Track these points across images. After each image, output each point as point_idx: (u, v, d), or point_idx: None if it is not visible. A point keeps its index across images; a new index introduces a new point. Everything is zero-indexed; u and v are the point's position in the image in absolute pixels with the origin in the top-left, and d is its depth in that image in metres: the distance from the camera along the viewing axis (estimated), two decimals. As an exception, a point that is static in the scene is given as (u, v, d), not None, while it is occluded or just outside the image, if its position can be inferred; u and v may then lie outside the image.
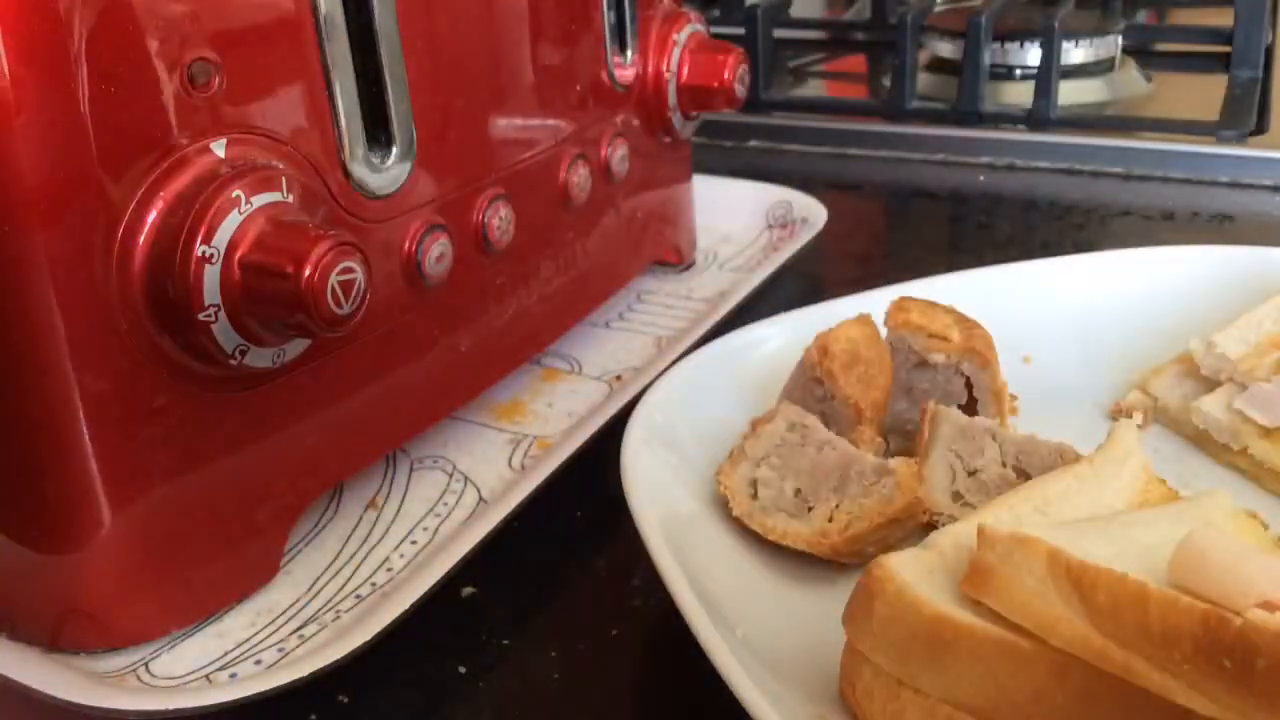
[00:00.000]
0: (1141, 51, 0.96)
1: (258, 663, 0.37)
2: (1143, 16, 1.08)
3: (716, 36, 0.60)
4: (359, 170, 0.40)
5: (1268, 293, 0.48)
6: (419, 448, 0.48)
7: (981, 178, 0.79)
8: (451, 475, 0.47)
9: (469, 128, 0.45)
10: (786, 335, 0.47)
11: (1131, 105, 0.86)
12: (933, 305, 0.45)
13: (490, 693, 0.37)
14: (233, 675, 0.36)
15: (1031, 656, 0.28)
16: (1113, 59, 0.89)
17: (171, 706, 0.34)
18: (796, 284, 0.63)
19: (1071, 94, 0.84)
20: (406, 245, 0.42)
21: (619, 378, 0.53)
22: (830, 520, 0.38)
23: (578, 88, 0.51)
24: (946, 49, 0.90)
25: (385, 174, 0.41)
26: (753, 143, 0.87)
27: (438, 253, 0.43)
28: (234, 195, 0.34)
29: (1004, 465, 0.40)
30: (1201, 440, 0.45)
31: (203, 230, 0.33)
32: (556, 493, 0.44)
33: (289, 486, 0.40)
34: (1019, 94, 0.85)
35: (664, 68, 0.57)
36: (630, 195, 0.57)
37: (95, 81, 0.31)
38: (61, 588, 0.36)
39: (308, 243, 0.33)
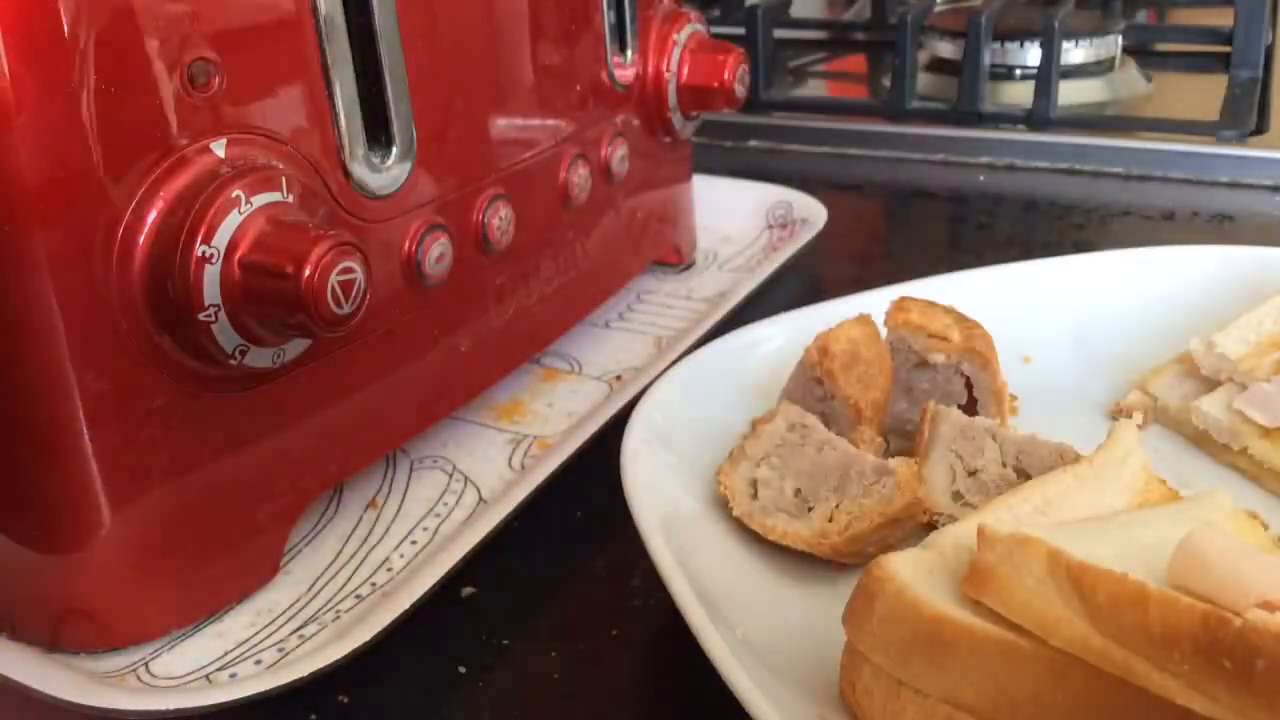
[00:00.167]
0: (1141, 51, 0.96)
1: (258, 663, 0.37)
2: (1143, 16, 1.08)
3: (716, 36, 0.60)
4: (359, 170, 0.40)
5: (1268, 293, 0.48)
6: (419, 448, 0.48)
7: (981, 178, 0.79)
8: (451, 475, 0.47)
9: (469, 128, 0.45)
10: (786, 335, 0.47)
11: (1131, 105, 0.86)
12: (933, 305, 0.45)
13: (490, 693, 0.37)
14: (233, 675, 0.36)
15: (1031, 657, 0.28)
16: (1113, 59, 0.89)
17: (171, 706, 0.34)
18: (796, 284, 0.63)
19: (1071, 94, 0.84)
20: (406, 245, 0.42)
21: (619, 378, 0.53)
22: (830, 520, 0.38)
23: (578, 88, 0.51)
24: (946, 49, 0.90)
25: (385, 174, 0.41)
26: (753, 143, 0.87)
27: (438, 253, 0.43)
28: (234, 195, 0.34)
29: (1004, 465, 0.40)
30: (1201, 440, 0.45)
31: (203, 230, 0.33)
32: (556, 493, 0.44)
33: (289, 486, 0.40)
34: (1019, 94, 0.85)
35: (664, 68, 0.57)
36: (630, 195, 0.57)
37: (95, 81, 0.31)
38: (61, 588, 0.36)
39: (308, 243, 0.33)
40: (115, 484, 0.35)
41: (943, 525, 0.38)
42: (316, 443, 0.41)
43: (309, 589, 0.40)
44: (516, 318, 0.49)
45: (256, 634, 0.38)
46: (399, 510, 0.45)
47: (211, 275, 0.33)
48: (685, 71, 0.58)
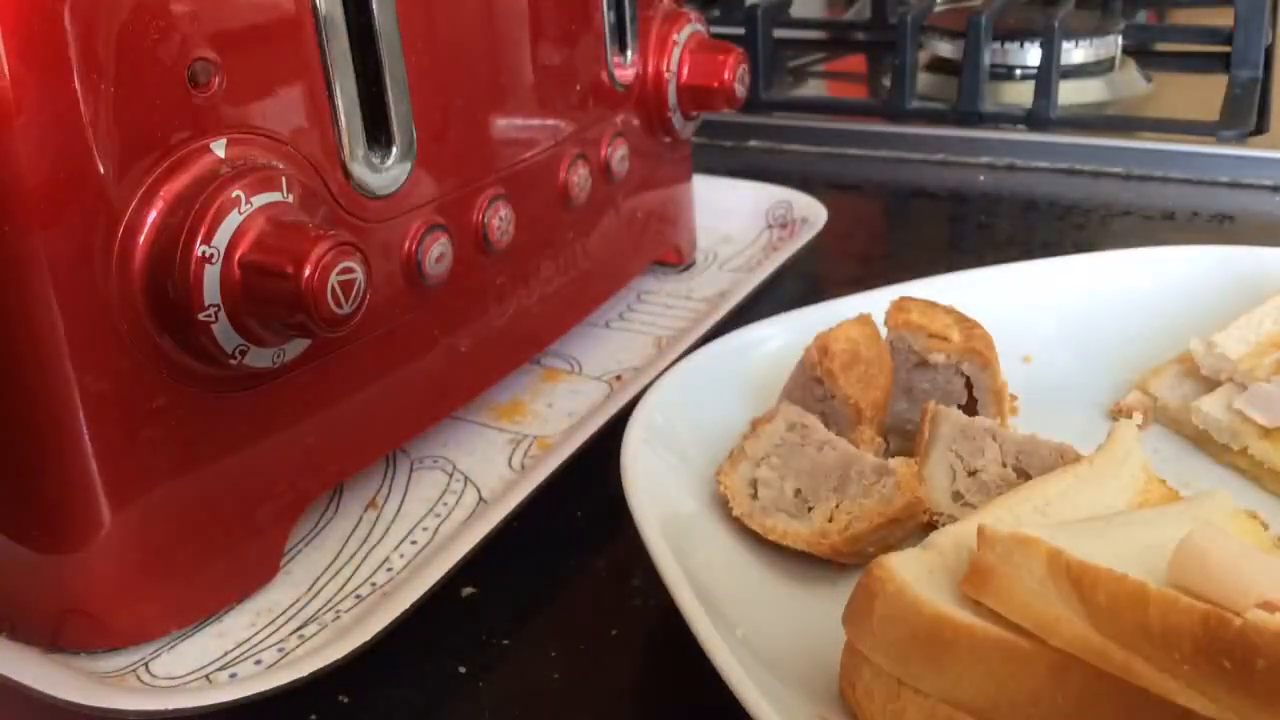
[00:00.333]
0: (1141, 51, 0.96)
1: (258, 663, 0.37)
2: (1143, 16, 1.08)
3: (716, 36, 0.60)
4: (359, 170, 0.40)
5: (1268, 293, 0.48)
6: (419, 448, 0.48)
7: (981, 178, 0.79)
8: (451, 475, 0.47)
9: (469, 128, 0.45)
10: (786, 335, 0.47)
11: (1131, 105, 0.86)
12: (933, 305, 0.45)
13: (490, 693, 0.37)
14: (233, 675, 0.36)
15: (1031, 656, 0.28)
16: (1113, 59, 0.89)
17: (171, 706, 0.34)
18: (796, 284, 0.63)
19: (1071, 94, 0.84)
20: (406, 245, 0.42)
21: (619, 378, 0.53)
22: (830, 520, 0.38)
23: (578, 88, 0.51)
24: (946, 49, 0.90)
25: (385, 174, 0.41)
26: (753, 143, 0.87)
27: (438, 253, 0.43)
28: (234, 195, 0.34)
29: (1004, 465, 0.40)
30: (1201, 440, 0.45)
31: (203, 230, 0.33)
32: (556, 493, 0.44)
33: (289, 486, 0.40)
34: (1019, 94, 0.85)
35: (664, 68, 0.57)
36: (630, 195, 0.57)
37: (95, 81, 0.31)
38: (61, 588, 0.36)
39: (308, 243, 0.33)
40: (115, 484, 0.35)
41: (943, 525, 0.38)
42: (316, 443, 0.41)
43: (309, 589, 0.40)
44: (516, 318, 0.49)
45: (256, 634, 0.38)
46: (399, 510, 0.45)
47: (211, 275, 0.33)
48: (685, 71, 0.58)
